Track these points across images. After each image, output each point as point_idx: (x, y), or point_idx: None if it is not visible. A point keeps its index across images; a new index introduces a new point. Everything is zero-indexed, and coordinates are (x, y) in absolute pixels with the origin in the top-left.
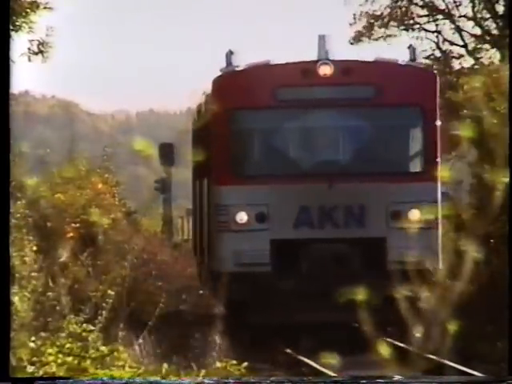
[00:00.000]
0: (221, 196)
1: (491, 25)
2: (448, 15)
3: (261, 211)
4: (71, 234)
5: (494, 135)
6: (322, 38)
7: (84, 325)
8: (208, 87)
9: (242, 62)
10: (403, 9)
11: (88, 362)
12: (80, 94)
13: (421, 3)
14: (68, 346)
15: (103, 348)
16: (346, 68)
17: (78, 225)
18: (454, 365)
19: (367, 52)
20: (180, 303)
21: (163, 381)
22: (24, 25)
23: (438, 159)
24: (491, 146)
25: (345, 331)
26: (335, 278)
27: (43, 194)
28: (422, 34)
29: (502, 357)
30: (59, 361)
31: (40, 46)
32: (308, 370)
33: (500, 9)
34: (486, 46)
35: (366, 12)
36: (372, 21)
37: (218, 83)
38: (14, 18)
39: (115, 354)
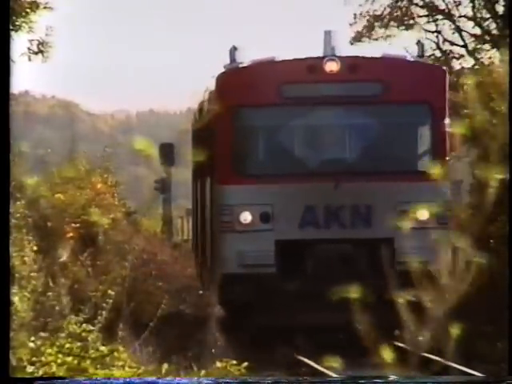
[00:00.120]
0: (224, 196)
1: (491, 25)
2: (448, 15)
3: (265, 211)
4: (71, 234)
5: (487, 132)
6: (327, 34)
7: (84, 325)
8: (210, 85)
9: (246, 59)
10: (403, 9)
11: (88, 362)
12: (80, 94)
13: (421, 3)
14: (68, 346)
15: (103, 348)
16: (353, 64)
17: (77, 225)
18: (454, 365)
19: (367, 52)
20: (180, 304)
21: (161, 380)
22: (24, 25)
23: (447, 158)
24: (484, 144)
25: (350, 333)
26: (341, 280)
27: (43, 193)
28: (422, 34)
29: (501, 357)
30: (59, 361)
31: (40, 46)
32: (309, 370)
33: (500, 9)
34: (486, 46)
35: (366, 12)
36: (372, 21)
37: (222, 80)
38: (14, 17)
39: (115, 354)
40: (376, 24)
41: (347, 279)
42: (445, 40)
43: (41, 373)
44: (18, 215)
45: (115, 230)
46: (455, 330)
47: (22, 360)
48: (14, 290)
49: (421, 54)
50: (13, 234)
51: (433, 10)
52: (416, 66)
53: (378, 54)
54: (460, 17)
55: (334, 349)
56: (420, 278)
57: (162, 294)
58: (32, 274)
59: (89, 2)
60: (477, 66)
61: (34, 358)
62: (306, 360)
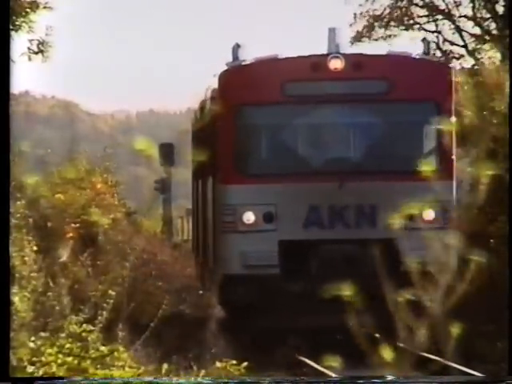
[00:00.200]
0: (227, 195)
1: (491, 25)
2: (448, 15)
3: (269, 211)
4: (71, 234)
5: (476, 129)
6: (332, 31)
7: (84, 325)
8: (212, 84)
9: (248, 57)
10: (403, 9)
11: (88, 362)
12: (80, 94)
13: (421, 3)
14: (68, 346)
15: (103, 348)
16: (358, 62)
17: (77, 225)
18: (454, 365)
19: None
20: (181, 304)
21: (160, 380)
22: (24, 24)
23: (454, 157)
24: (474, 141)
25: (356, 335)
26: (346, 281)
27: (43, 193)
28: (422, 33)
29: (501, 357)
30: (59, 361)
31: (40, 46)
32: (312, 371)
33: (500, 9)
34: (486, 46)
35: (366, 12)
36: (372, 21)
37: (224, 78)
38: (14, 17)
39: (115, 354)
40: (376, 24)
41: (352, 280)
42: (445, 40)
43: (41, 373)
44: (18, 215)
45: (115, 230)
46: (456, 330)
47: (23, 360)
48: (14, 290)
49: (426, 52)
50: (13, 233)
51: (433, 10)
52: (422, 64)
53: (382, 52)
54: (460, 17)
55: (339, 350)
56: (425, 278)
57: (163, 294)
58: (32, 274)
59: (89, 2)
60: (476, 66)
61: (34, 358)
62: (310, 362)
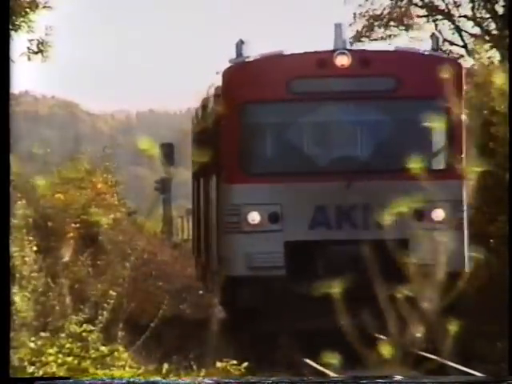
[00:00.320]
0: (231, 195)
1: (491, 25)
2: (448, 15)
3: (274, 211)
4: (71, 234)
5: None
6: (338, 27)
7: (84, 325)
8: (214, 82)
9: (252, 53)
10: (403, 9)
11: (88, 362)
12: (80, 93)
13: (420, 3)
14: (68, 346)
15: (103, 348)
16: (365, 58)
17: (78, 225)
18: (454, 365)
19: None
20: (182, 305)
21: (163, 381)
22: (23, 24)
23: (464, 155)
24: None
25: (362, 338)
26: (353, 282)
27: (43, 193)
28: (422, 34)
29: (501, 357)
30: (59, 361)
31: (40, 46)
32: (313, 371)
33: (500, 9)
34: (486, 46)
35: (366, 12)
36: (372, 21)
37: (228, 75)
38: (14, 17)
39: (115, 354)
40: (376, 24)
41: (360, 282)
42: (445, 40)
43: (41, 373)
44: (18, 215)
45: (115, 230)
46: (457, 330)
47: (23, 360)
48: (15, 289)
49: (435, 48)
50: (13, 233)
51: (432, 10)
52: (430, 60)
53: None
54: (460, 17)
55: (346, 353)
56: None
57: (163, 294)
58: (32, 274)
59: (88, 2)
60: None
61: (34, 358)
62: (316, 365)
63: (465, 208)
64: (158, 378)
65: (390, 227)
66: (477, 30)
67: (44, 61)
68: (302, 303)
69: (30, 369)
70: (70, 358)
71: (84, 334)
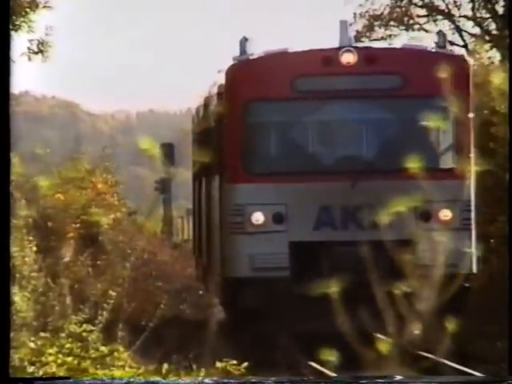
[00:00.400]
0: (235, 195)
1: (491, 25)
2: (448, 15)
3: (278, 211)
4: (71, 234)
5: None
6: (343, 24)
7: (84, 325)
8: (217, 80)
9: (256, 51)
10: (403, 9)
11: (88, 362)
12: (80, 94)
13: (420, 3)
14: (68, 346)
15: (103, 348)
16: (371, 56)
17: (78, 225)
18: (453, 365)
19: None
20: (183, 306)
21: (163, 381)
22: (23, 24)
23: (472, 154)
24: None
25: (367, 340)
26: (359, 284)
27: (43, 193)
28: (422, 34)
29: (501, 357)
30: (59, 361)
31: (40, 46)
32: (313, 370)
33: (500, 9)
34: (486, 46)
35: (366, 12)
36: (372, 20)
37: (232, 73)
38: (14, 17)
39: (115, 354)
40: (376, 24)
41: (365, 283)
42: (436, 44)
43: (41, 373)
44: (18, 215)
45: (115, 230)
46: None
47: (23, 360)
48: (15, 290)
49: (442, 45)
50: (13, 233)
51: (433, 10)
52: (438, 57)
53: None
54: (460, 17)
55: (352, 355)
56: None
57: (163, 294)
58: (32, 274)
59: (89, 1)
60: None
61: (34, 358)
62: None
63: (472, 208)
64: (157, 378)
65: (396, 228)
66: (477, 30)
67: (44, 61)
68: (307, 305)
69: (30, 369)
70: (69, 358)
71: (84, 334)
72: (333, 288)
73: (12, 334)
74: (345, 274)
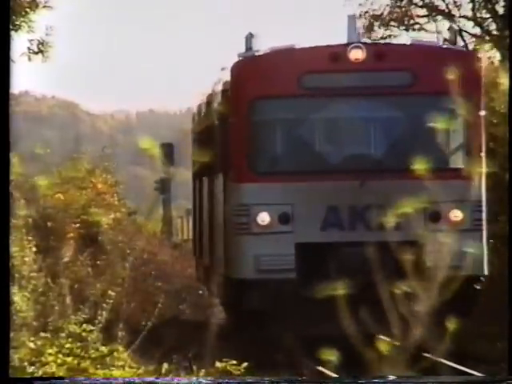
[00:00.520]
0: (240, 195)
1: (491, 25)
2: (448, 15)
3: (284, 211)
4: (71, 234)
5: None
6: (351, 19)
7: (84, 325)
8: (220, 78)
9: (262, 47)
10: (403, 9)
11: (88, 362)
12: (80, 94)
13: (421, 3)
14: (68, 346)
15: (103, 348)
16: (380, 52)
17: (77, 225)
18: (453, 365)
19: None
20: (182, 306)
21: (160, 380)
22: (23, 24)
23: (483, 153)
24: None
25: (376, 343)
26: (367, 286)
27: (43, 193)
28: (422, 34)
29: (501, 357)
30: (59, 361)
31: (40, 46)
32: (311, 370)
33: (500, 9)
34: (487, 46)
35: (366, 12)
36: (372, 21)
37: (237, 70)
38: (14, 17)
39: (115, 354)
40: (376, 24)
41: (373, 285)
42: (445, 40)
43: (41, 373)
44: (18, 215)
45: (115, 230)
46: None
47: (23, 360)
48: (15, 290)
49: (453, 41)
50: (13, 233)
51: (433, 10)
52: (449, 54)
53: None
54: (460, 17)
55: (360, 359)
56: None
57: (163, 294)
58: (32, 274)
59: (89, 1)
60: None
61: (34, 358)
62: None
63: (484, 208)
64: (155, 378)
65: (405, 228)
66: (477, 31)
67: (44, 61)
68: (313, 307)
69: (30, 369)
70: (69, 358)
71: (84, 333)
72: (340, 290)
73: (12, 334)
74: (352, 275)
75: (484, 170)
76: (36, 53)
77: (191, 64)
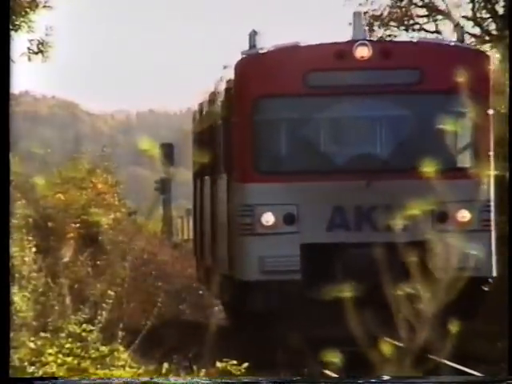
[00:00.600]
0: (244, 195)
1: (491, 25)
2: (448, 15)
3: (289, 212)
4: (71, 234)
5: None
6: (357, 16)
7: (84, 325)
8: (224, 76)
9: (266, 45)
10: (403, 9)
11: (88, 362)
12: (80, 94)
13: (420, 3)
14: (68, 346)
15: (103, 348)
16: (386, 50)
17: (78, 225)
18: (453, 365)
19: None
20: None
21: (158, 380)
22: (23, 24)
23: (491, 153)
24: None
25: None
26: (373, 287)
27: (44, 193)
28: (422, 34)
29: (501, 357)
30: (59, 361)
31: (40, 46)
32: (310, 370)
33: (500, 9)
34: (486, 46)
35: (366, 12)
36: (372, 21)
37: (241, 68)
38: (14, 17)
39: (115, 353)
40: (376, 24)
41: (381, 287)
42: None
43: (41, 373)
44: (18, 215)
45: (115, 230)
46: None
47: (23, 360)
48: (15, 290)
49: (461, 39)
50: (13, 233)
51: (433, 10)
52: (456, 51)
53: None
54: (460, 17)
55: (365, 362)
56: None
57: (163, 294)
58: (32, 274)
59: (89, 1)
60: None
61: (34, 358)
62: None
63: (492, 208)
64: (154, 378)
65: (412, 229)
66: (477, 31)
67: (44, 61)
68: (319, 309)
69: (30, 369)
70: (69, 358)
71: (84, 333)
72: (346, 292)
73: (12, 334)
74: (359, 277)
75: (492, 169)
76: (36, 53)
77: (191, 64)
